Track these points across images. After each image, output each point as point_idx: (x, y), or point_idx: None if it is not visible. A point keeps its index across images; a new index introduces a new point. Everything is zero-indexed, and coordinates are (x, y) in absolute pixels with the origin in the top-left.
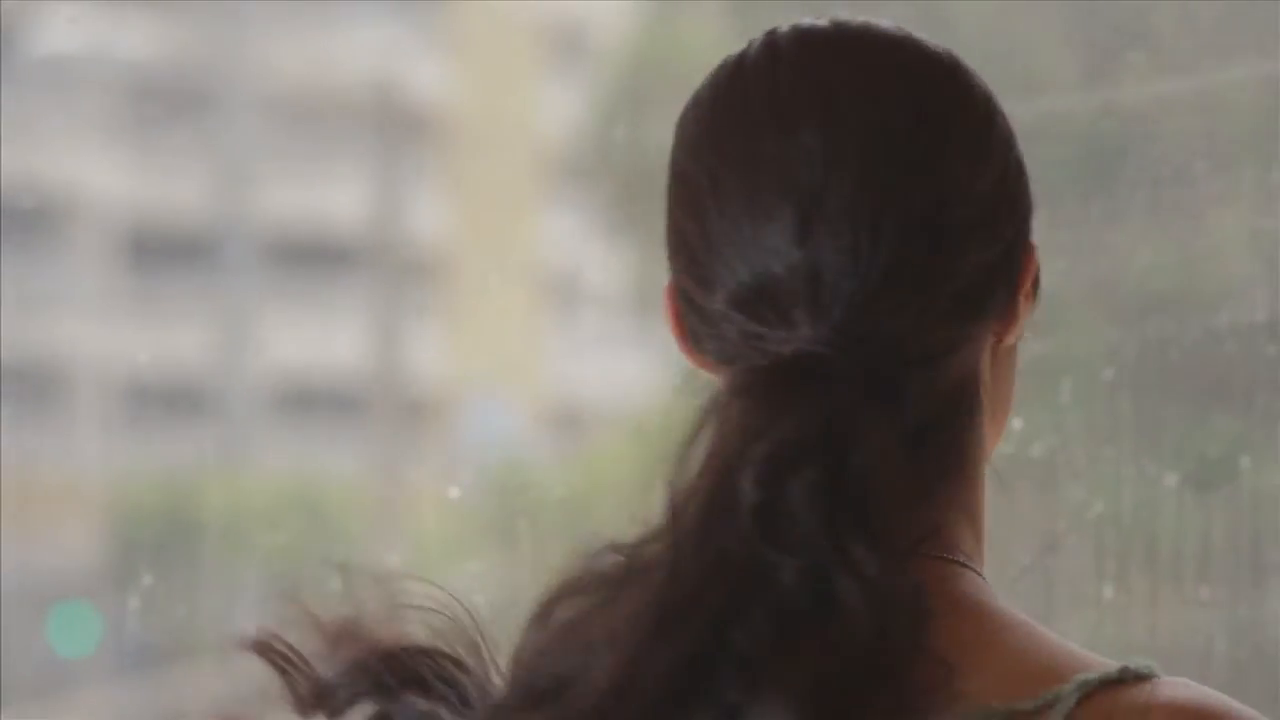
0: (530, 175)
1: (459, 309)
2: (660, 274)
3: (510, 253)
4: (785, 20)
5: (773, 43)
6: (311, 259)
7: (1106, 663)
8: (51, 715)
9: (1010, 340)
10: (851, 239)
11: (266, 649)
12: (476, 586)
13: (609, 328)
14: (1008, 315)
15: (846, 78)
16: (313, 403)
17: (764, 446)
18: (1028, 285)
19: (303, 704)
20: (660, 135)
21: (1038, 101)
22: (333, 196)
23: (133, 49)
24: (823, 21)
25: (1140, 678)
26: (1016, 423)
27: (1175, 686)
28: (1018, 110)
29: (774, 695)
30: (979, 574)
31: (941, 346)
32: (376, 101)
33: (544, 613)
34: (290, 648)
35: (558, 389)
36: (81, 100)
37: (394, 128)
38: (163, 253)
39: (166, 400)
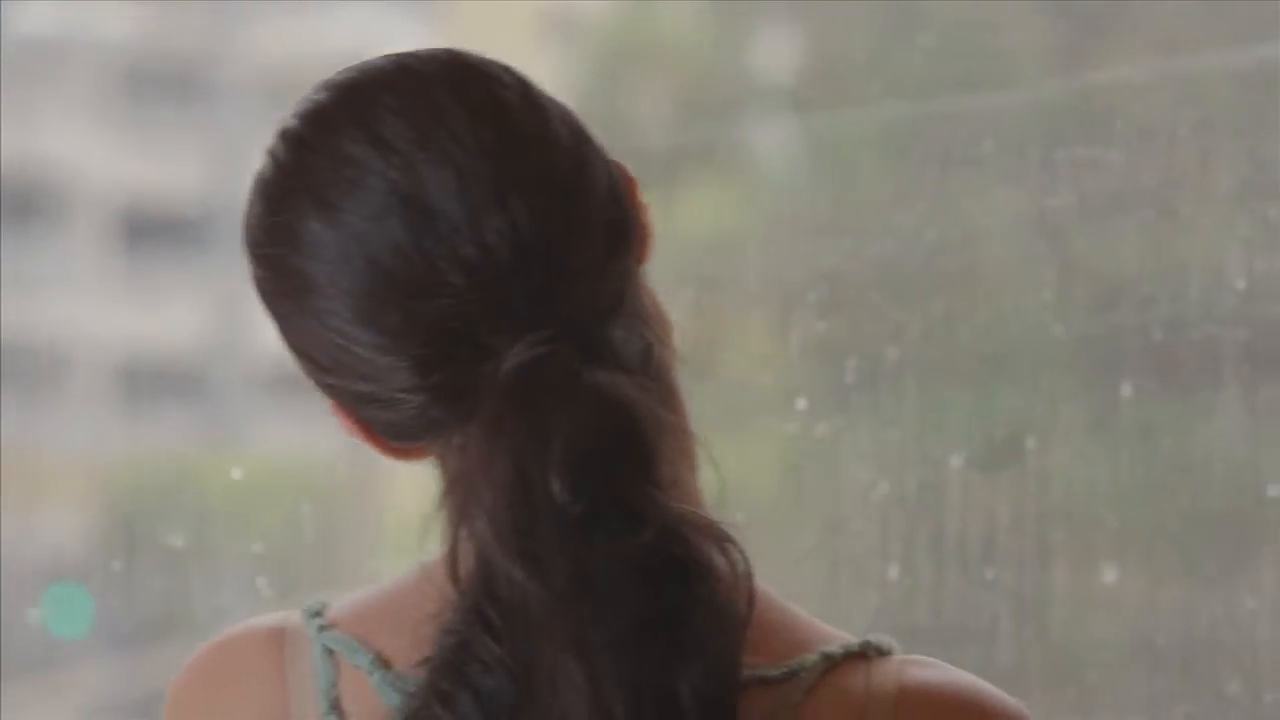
0: None
1: None
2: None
3: None
4: (759, 5)
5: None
6: None
7: (848, 637)
8: (45, 694)
9: (646, 259)
10: (498, 245)
11: None
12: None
13: None
14: (641, 234)
15: (424, 114)
16: (307, 383)
17: (555, 451)
18: (637, 197)
19: None
20: (640, 116)
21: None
22: None
23: (126, 31)
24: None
25: (882, 653)
26: (801, 403)
27: (924, 666)
28: None
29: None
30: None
31: (614, 290)
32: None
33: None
34: None
35: None
36: (75, 83)
37: None
38: (157, 234)
39: (161, 381)
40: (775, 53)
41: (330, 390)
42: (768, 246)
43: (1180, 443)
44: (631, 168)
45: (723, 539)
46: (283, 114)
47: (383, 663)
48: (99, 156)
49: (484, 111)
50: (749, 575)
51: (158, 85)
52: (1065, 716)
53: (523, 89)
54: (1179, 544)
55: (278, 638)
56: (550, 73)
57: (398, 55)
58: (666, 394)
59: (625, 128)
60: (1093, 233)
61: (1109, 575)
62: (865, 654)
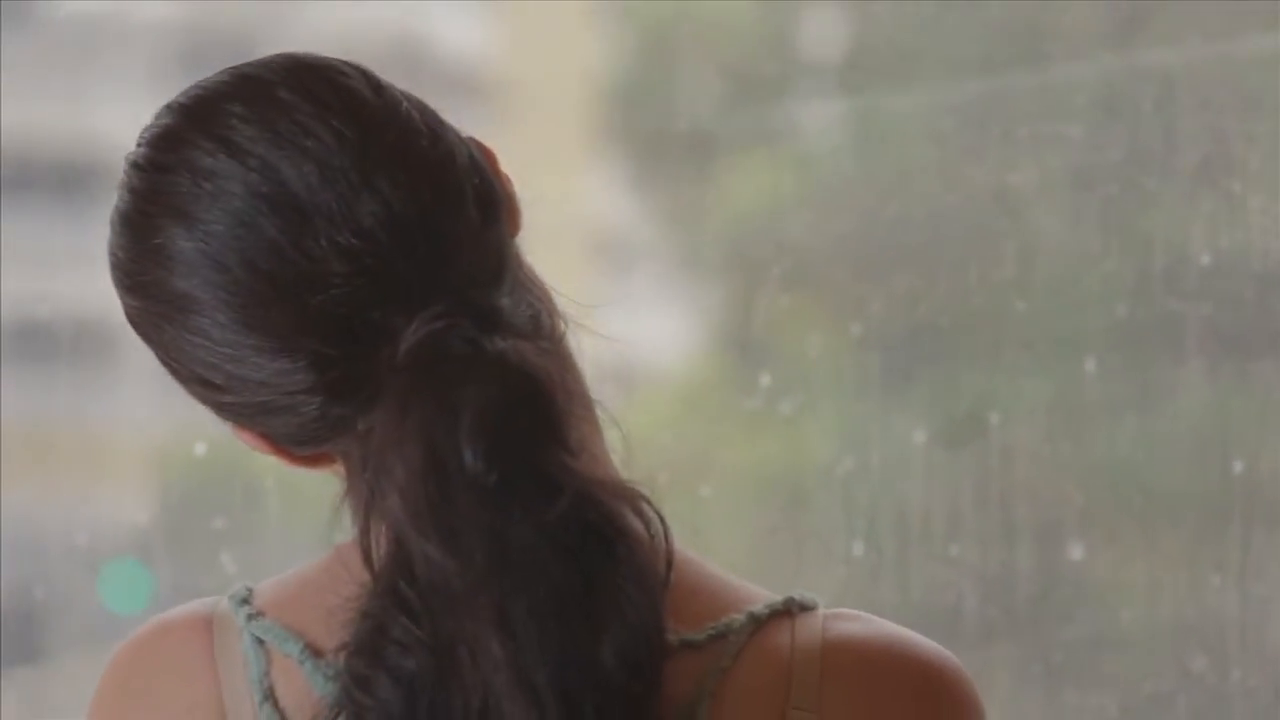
0: (577, 132)
1: None
2: (689, 232)
3: (557, 211)
4: None
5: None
6: None
7: (771, 595)
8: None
9: (519, 230)
10: (374, 227)
11: None
12: None
13: (658, 286)
14: (509, 205)
15: (290, 122)
16: None
17: (465, 421)
18: (499, 168)
19: None
20: (687, 96)
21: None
22: None
23: (179, 9)
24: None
25: (805, 608)
26: (764, 378)
27: (848, 619)
28: None
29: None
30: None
31: (495, 258)
32: (412, 58)
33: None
34: None
35: (610, 348)
36: (128, 60)
37: (429, 84)
38: None
39: None
40: (822, 31)
41: (229, 410)
42: (812, 223)
43: (1144, 419)
44: (680, 147)
45: (637, 501)
46: None
47: (314, 652)
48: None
49: (331, 102)
50: (666, 536)
51: (210, 64)
52: (1031, 694)
53: (365, 77)
54: (1144, 521)
55: (205, 626)
56: (598, 53)
57: (234, 68)
58: (564, 359)
59: (673, 108)
60: (1056, 208)
61: (1074, 552)
62: (790, 611)
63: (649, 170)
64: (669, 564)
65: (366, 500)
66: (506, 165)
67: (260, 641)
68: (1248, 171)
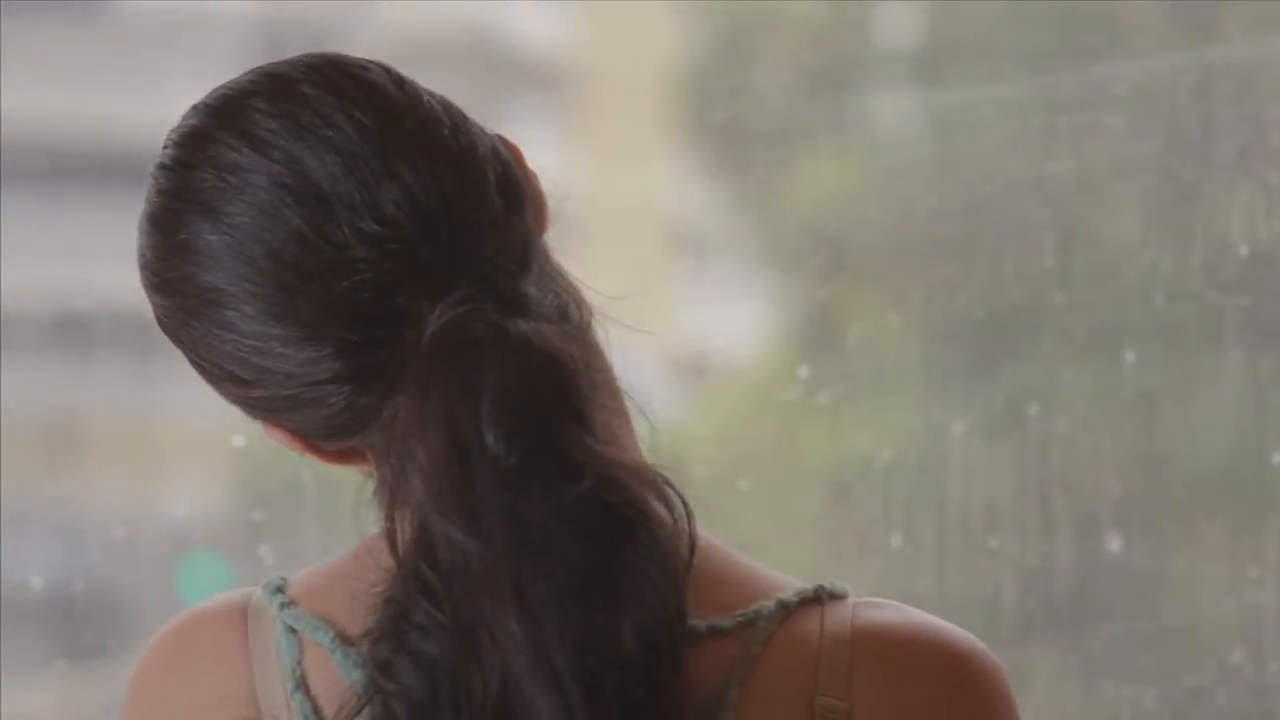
0: (653, 124)
1: (588, 258)
2: (767, 221)
3: (635, 200)
4: None
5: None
6: None
7: (801, 582)
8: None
9: (546, 226)
10: (398, 214)
11: None
12: None
13: (735, 276)
14: (536, 200)
15: (325, 118)
16: None
17: (486, 403)
18: (526, 164)
19: None
20: (764, 87)
21: None
22: None
23: (252, 6)
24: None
25: (835, 597)
26: (803, 370)
27: (878, 607)
28: None
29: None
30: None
31: (520, 246)
32: (490, 52)
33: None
34: None
35: (687, 338)
36: (206, 53)
37: (506, 78)
38: None
39: None
40: (898, 22)
41: (258, 406)
42: (887, 214)
43: (1183, 410)
44: (756, 138)
45: (661, 485)
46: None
47: (345, 640)
48: None
49: (353, 94)
50: (689, 520)
51: (292, 54)
52: (1069, 686)
53: (386, 72)
54: (1182, 512)
55: (239, 616)
56: (675, 45)
57: (258, 67)
58: (590, 347)
59: (749, 99)
60: (1095, 199)
61: (1113, 544)
62: (819, 599)
63: (723, 161)
64: (692, 548)
65: (390, 485)
66: (582, 155)
67: (293, 631)
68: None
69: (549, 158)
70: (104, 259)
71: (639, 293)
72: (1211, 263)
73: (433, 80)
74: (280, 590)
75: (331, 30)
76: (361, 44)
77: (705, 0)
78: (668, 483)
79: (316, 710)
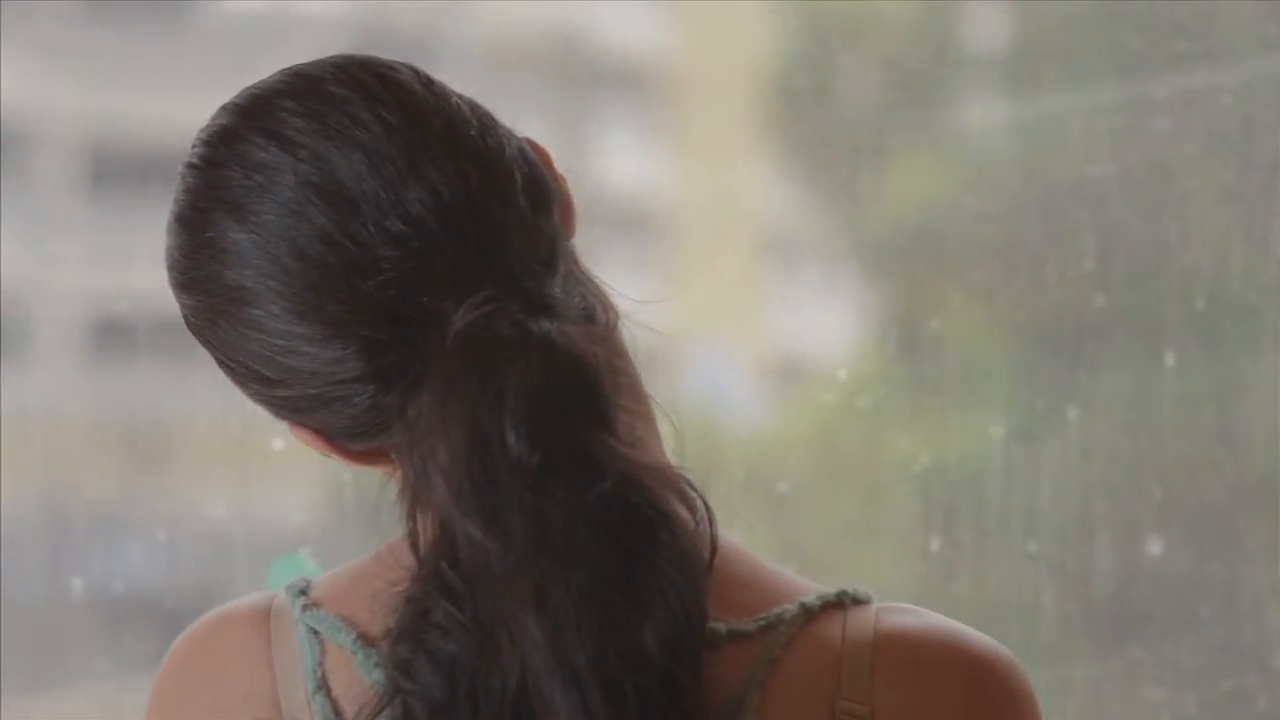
0: (745, 123)
1: (674, 261)
2: (847, 223)
3: (726, 203)
4: None
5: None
6: None
7: (823, 587)
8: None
9: (574, 231)
10: (423, 214)
11: None
12: None
13: (823, 280)
14: (564, 202)
15: (347, 118)
16: None
17: (509, 402)
18: (554, 167)
19: None
20: (851, 89)
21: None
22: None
23: (339, 7)
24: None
25: (858, 602)
26: (841, 374)
27: (901, 613)
28: None
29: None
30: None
31: (546, 247)
32: (579, 54)
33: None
34: None
35: (777, 342)
36: (297, 55)
37: (595, 80)
38: None
39: None
40: (985, 25)
41: (284, 405)
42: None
43: (1223, 413)
44: (842, 141)
45: (683, 487)
46: (506, 84)
47: (366, 641)
48: None
49: (381, 94)
50: (711, 523)
51: (384, 56)
52: (1110, 690)
53: (415, 73)
54: (1223, 516)
55: (263, 618)
56: (764, 49)
57: (287, 68)
58: (615, 349)
59: (837, 101)
60: (1134, 201)
61: (1153, 547)
62: (842, 603)
63: (810, 166)
64: (713, 550)
65: (413, 485)
66: (672, 158)
67: (314, 632)
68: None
69: (639, 162)
70: None
71: (728, 296)
72: (1250, 265)
73: (522, 83)
74: (303, 593)
75: (419, 32)
76: (450, 46)
77: (795, 1)
78: (690, 484)
79: (337, 711)
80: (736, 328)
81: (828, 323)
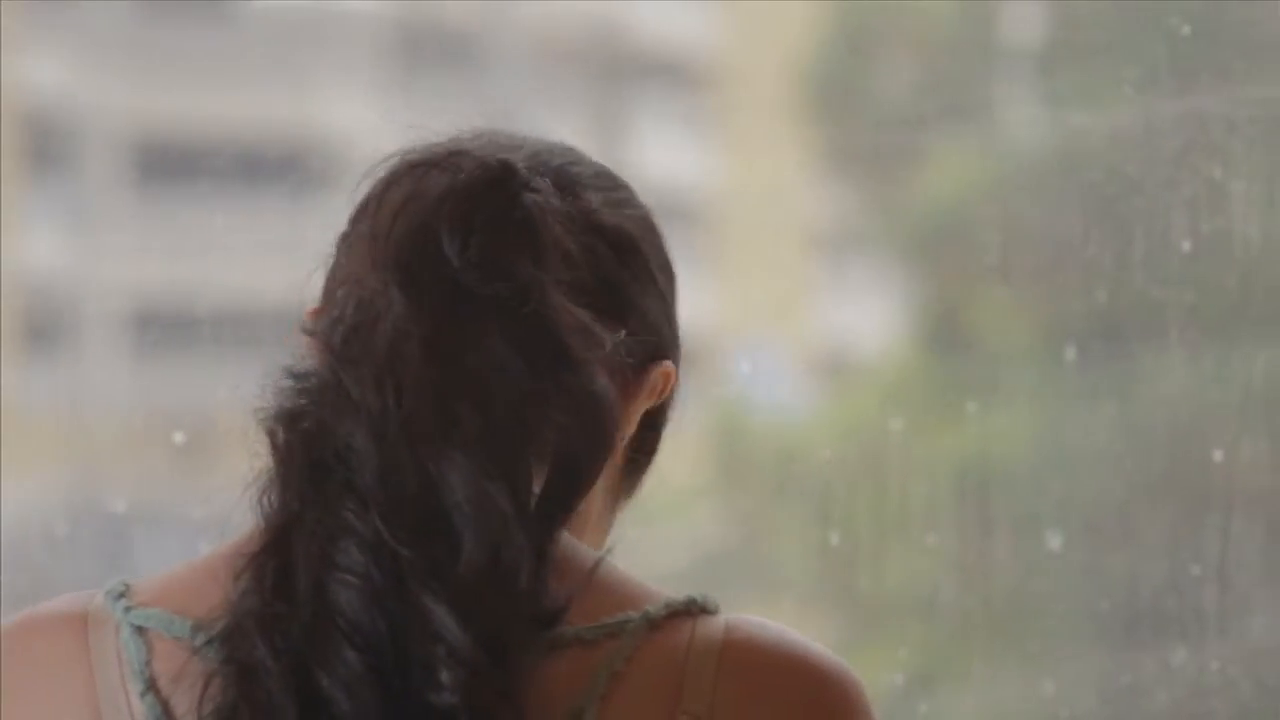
0: (789, 118)
1: (722, 256)
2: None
3: (767, 197)
4: None
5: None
6: None
7: (671, 594)
8: None
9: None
10: None
11: None
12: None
13: (867, 273)
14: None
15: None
16: None
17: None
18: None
19: None
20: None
21: None
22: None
23: (387, 5)
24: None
25: (706, 611)
26: (744, 366)
27: (748, 625)
28: None
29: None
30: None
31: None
32: (621, 50)
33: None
34: None
35: (825, 337)
36: (350, 50)
37: (638, 75)
38: None
39: None
40: (1021, 21)
41: None
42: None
43: (1125, 407)
44: (877, 138)
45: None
46: (548, 79)
47: (202, 628)
48: (370, 122)
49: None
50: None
51: (430, 53)
52: (1008, 685)
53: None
54: (1123, 510)
55: (80, 622)
56: (806, 44)
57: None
58: None
59: (872, 97)
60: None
61: (1052, 542)
62: (690, 611)
63: (852, 161)
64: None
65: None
66: (712, 152)
67: (140, 630)
68: (1229, 157)
69: (684, 157)
70: (240, 256)
71: (768, 290)
72: (1153, 258)
73: (565, 78)
74: (123, 595)
75: (463, 28)
76: (493, 41)
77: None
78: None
79: (167, 711)
80: (778, 321)
81: (871, 315)
